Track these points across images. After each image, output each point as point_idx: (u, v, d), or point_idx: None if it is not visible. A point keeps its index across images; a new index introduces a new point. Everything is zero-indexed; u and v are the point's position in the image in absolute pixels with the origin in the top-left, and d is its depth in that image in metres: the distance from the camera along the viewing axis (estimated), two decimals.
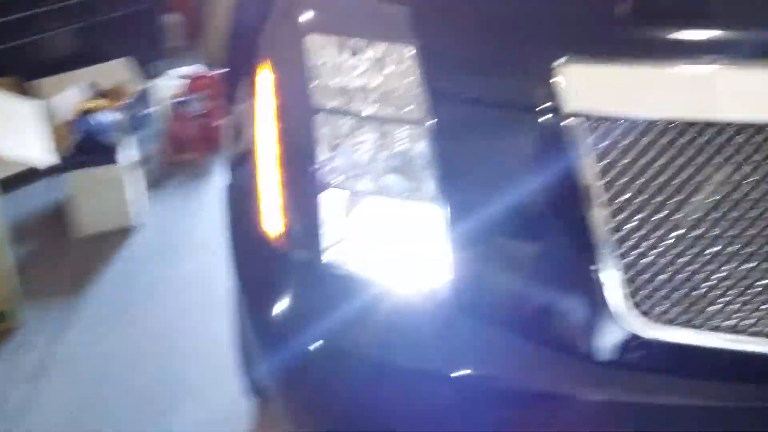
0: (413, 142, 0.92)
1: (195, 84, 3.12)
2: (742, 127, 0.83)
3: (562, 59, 0.84)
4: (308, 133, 0.96)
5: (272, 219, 1.02)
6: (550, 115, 0.85)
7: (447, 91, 0.91)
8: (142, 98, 2.88)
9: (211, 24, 3.88)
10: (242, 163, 1.15)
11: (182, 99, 3.05)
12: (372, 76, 0.94)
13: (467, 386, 0.93)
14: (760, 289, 0.86)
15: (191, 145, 3.01)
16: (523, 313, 0.91)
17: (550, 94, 0.85)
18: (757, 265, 0.85)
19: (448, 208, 0.91)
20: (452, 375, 0.93)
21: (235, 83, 1.28)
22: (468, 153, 0.91)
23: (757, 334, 0.86)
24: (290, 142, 0.99)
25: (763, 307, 0.86)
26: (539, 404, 0.91)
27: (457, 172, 0.91)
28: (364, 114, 0.94)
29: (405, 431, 0.97)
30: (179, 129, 3.00)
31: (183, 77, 3.23)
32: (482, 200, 0.90)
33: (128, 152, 2.57)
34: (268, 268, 1.03)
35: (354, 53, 0.94)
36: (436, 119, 0.90)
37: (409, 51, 0.91)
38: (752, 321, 0.87)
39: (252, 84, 1.06)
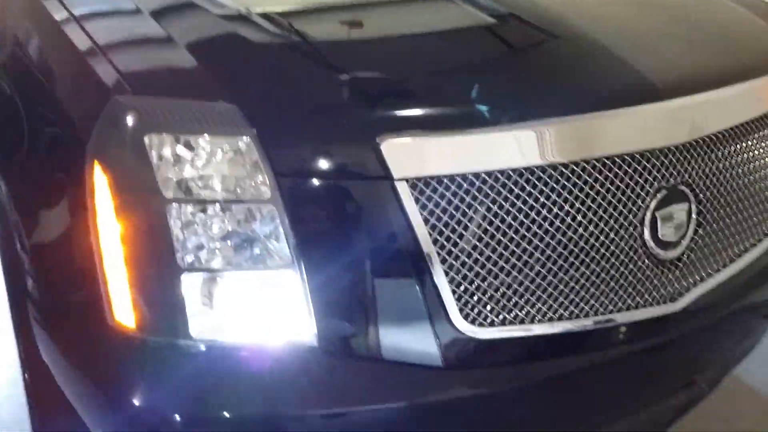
0: (259, 218, 1.05)
1: None
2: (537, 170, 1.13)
3: (383, 134, 1.06)
4: (158, 224, 1.03)
5: (126, 311, 1.05)
6: (380, 181, 1.06)
7: (287, 170, 1.05)
8: None
9: None
10: (66, 265, 1.16)
11: None
12: (212, 165, 1.04)
13: (342, 420, 1.08)
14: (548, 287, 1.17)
15: None
16: (378, 340, 1.09)
17: (378, 164, 1.06)
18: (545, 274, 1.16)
19: (302, 270, 1.05)
20: (322, 412, 1.08)
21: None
22: (313, 221, 1.07)
23: (552, 320, 1.18)
24: (140, 236, 1.04)
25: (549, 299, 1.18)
26: (403, 416, 1.10)
27: (309, 239, 1.06)
28: (209, 200, 1.03)
29: None
30: None
31: None
32: (332, 258, 1.07)
33: None
34: (130, 357, 1.06)
35: (192, 147, 1.04)
36: (281, 196, 1.04)
37: (246, 141, 1.04)
38: (547, 310, 1.18)
39: (76, 184, 1.08)
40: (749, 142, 1.44)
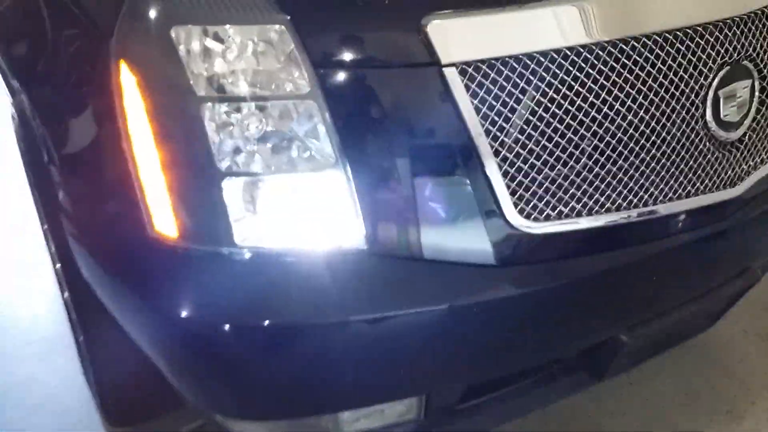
0: (298, 115, 0.97)
1: None
2: (591, 49, 1.04)
3: (428, 15, 0.97)
4: (192, 126, 0.95)
5: (167, 220, 1.00)
6: (427, 67, 0.98)
7: (326, 61, 0.97)
8: None
9: None
10: (99, 175, 1.10)
11: None
12: (244, 57, 0.95)
13: (391, 324, 1.03)
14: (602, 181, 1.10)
15: None
16: (430, 240, 1.03)
17: (424, 48, 0.97)
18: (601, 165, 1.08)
19: (347, 170, 0.98)
20: (377, 316, 1.03)
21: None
22: (356, 115, 0.99)
23: (609, 210, 1.11)
24: (175, 139, 0.97)
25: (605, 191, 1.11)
26: (460, 315, 1.06)
27: (352, 136, 0.98)
28: (244, 96, 0.95)
29: (347, 379, 1.05)
30: None
31: None
32: (378, 154, 1.00)
33: None
34: (175, 268, 1.01)
35: (222, 38, 0.95)
36: (320, 90, 0.96)
37: (279, 29, 0.95)
38: (606, 200, 1.11)
39: (102, 87, 1.00)
40: None
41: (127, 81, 0.97)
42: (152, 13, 0.95)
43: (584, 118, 1.06)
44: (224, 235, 0.99)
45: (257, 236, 1.00)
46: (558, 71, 1.04)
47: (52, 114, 1.21)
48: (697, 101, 1.15)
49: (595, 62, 1.06)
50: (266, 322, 1.01)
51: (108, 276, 1.13)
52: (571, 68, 1.04)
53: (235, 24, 0.95)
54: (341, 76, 0.98)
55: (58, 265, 1.50)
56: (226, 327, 1.00)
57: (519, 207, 1.05)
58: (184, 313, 1.01)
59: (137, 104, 0.97)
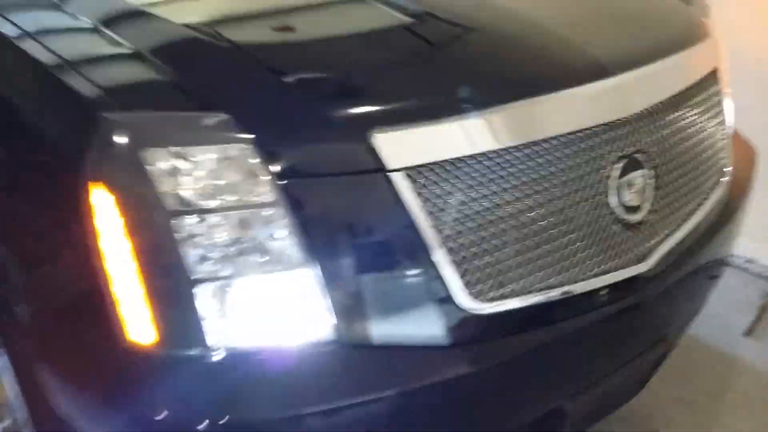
0: (264, 222, 1.07)
1: None
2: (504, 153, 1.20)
3: (372, 128, 1.11)
4: (163, 238, 1.03)
5: (140, 328, 1.05)
6: (375, 173, 1.11)
7: (286, 172, 1.08)
8: None
9: None
10: (67, 292, 1.14)
11: None
12: (211, 174, 1.05)
13: (363, 408, 1.12)
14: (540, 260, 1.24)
15: None
16: (391, 327, 1.13)
17: (371, 157, 1.11)
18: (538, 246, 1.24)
19: (313, 267, 1.08)
20: (351, 402, 1.11)
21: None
22: (317, 218, 1.10)
23: (539, 290, 1.25)
24: (147, 251, 1.04)
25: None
26: (422, 395, 1.15)
27: (315, 237, 1.09)
28: (213, 208, 1.05)
29: None
30: None
31: None
32: (341, 252, 1.11)
33: None
34: (150, 372, 1.05)
35: (190, 158, 1.05)
36: (282, 198, 1.07)
37: (242, 147, 1.07)
38: (537, 280, 1.25)
39: (71, 207, 1.07)
40: (687, 108, 1.56)
41: (99, 200, 1.04)
42: (124, 136, 1.04)
43: (509, 211, 1.21)
44: (197, 338, 1.05)
45: (229, 337, 1.07)
46: (483, 171, 1.19)
47: (15, 233, 1.24)
48: (600, 189, 1.33)
49: (511, 163, 1.22)
50: (242, 419, 1.06)
51: (83, 393, 1.15)
52: (493, 168, 1.20)
53: (201, 144, 1.06)
54: (301, 185, 1.09)
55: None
56: (204, 427, 1.05)
57: (466, 291, 1.17)
58: (160, 416, 1.05)
59: (109, 222, 1.04)
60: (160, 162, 1.04)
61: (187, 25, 1.31)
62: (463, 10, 1.53)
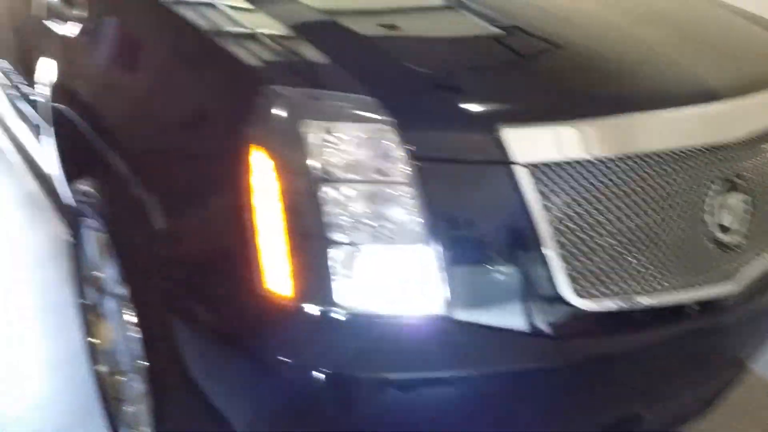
0: (396, 198, 1.18)
1: None
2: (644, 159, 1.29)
3: (502, 123, 1.21)
4: (309, 202, 1.16)
5: (276, 279, 1.18)
6: (501, 165, 1.21)
7: (420, 154, 1.19)
8: None
9: None
10: (215, 241, 1.28)
11: None
12: (356, 149, 1.17)
13: (464, 383, 1.22)
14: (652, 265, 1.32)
15: None
16: (499, 311, 1.23)
17: (499, 150, 1.21)
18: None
19: (434, 245, 1.19)
20: (456, 375, 1.21)
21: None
22: (443, 200, 1.20)
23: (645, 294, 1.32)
24: (293, 211, 1.16)
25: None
26: (519, 379, 1.25)
27: (439, 217, 1.19)
28: (354, 180, 1.16)
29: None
30: None
31: None
32: (461, 234, 1.22)
33: None
34: (281, 320, 1.18)
35: (339, 133, 1.17)
36: (415, 178, 1.18)
37: (385, 128, 1.18)
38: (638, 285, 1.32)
39: (228, 164, 1.21)
40: None
41: (257, 162, 1.17)
42: (286, 107, 1.17)
43: (616, 216, 1.29)
44: (325, 295, 1.17)
45: (352, 298, 1.18)
46: (597, 175, 1.27)
47: (166, 183, 1.39)
48: (699, 207, 1.40)
49: (622, 171, 1.30)
50: (356, 375, 1.18)
51: (214, 332, 1.28)
52: (605, 174, 1.28)
53: (348, 121, 1.18)
54: (432, 168, 1.20)
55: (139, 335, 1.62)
56: (320, 376, 1.17)
57: (574, 287, 1.25)
58: (283, 358, 1.18)
59: (263, 181, 1.17)
60: (312, 134, 1.16)
61: (333, 12, 1.46)
62: (582, 24, 1.64)
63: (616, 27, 1.67)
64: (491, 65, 1.42)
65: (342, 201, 1.16)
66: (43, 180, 2.44)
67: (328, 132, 1.16)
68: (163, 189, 1.41)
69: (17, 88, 2.25)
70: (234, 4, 1.51)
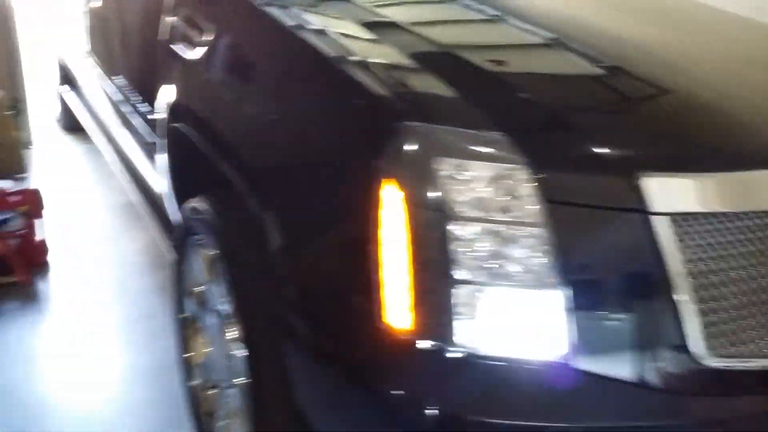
0: (526, 239, 1.17)
1: (1, 200, 2.88)
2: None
3: (643, 171, 1.19)
4: (437, 238, 1.16)
5: (396, 314, 1.18)
6: (639, 213, 1.19)
7: (553, 196, 1.18)
8: None
9: None
10: (338, 271, 1.30)
11: None
12: (488, 188, 1.17)
13: None
14: None
15: (13, 267, 2.76)
16: (625, 362, 1.19)
17: (637, 197, 1.19)
18: None
19: (561, 290, 1.17)
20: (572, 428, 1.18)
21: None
22: (575, 245, 1.19)
23: None
24: (421, 247, 1.16)
25: None
26: None
27: (568, 261, 1.17)
28: (484, 219, 1.16)
29: None
30: None
31: None
32: (590, 280, 1.20)
33: None
34: (398, 355, 1.18)
35: (471, 171, 1.17)
36: (547, 220, 1.16)
37: (518, 168, 1.17)
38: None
39: (357, 197, 1.23)
40: None
41: (387, 195, 1.18)
42: (419, 144, 1.18)
43: (754, 273, 1.24)
44: (445, 333, 1.16)
45: (477, 340, 1.17)
46: (739, 229, 1.24)
47: (288, 206, 1.42)
48: None
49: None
50: (468, 417, 1.16)
51: (327, 358, 1.29)
52: (750, 228, 1.24)
53: (480, 160, 1.18)
54: (565, 211, 1.18)
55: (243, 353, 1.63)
56: (433, 412, 1.16)
57: (703, 342, 1.21)
58: (395, 392, 1.18)
59: (392, 215, 1.18)
60: (444, 171, 1.16)
61: (451, 45, 1.46)
62: (693, 68, 1.62)
63: (726, 70, 1.65)
64: (621, 108, 1.41)
65: (470, 239, 1.16)
66: (147, 194, 2.53)
67: (460, 169, 1.17)
68: (284, 211, 1.44)
69: (133, 105, 2.34)
70: (358, 34, 1.54)
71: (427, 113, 1.25)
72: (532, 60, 1.64)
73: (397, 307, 1.18)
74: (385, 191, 1.18)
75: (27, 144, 3.97)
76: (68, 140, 4.33)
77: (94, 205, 3.51)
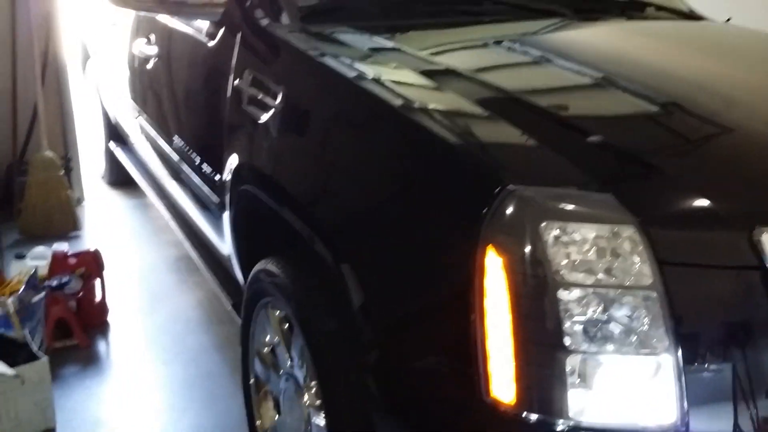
0: (640, 304, 1.10)
1: (61, 263, 2.89)
2: None
3: (759, 226, 1.13)
4: (544, 306, 1.10)
5: (504, 387, 1.12)
6: (756, 271, 1.12)
7: (666, 257, 1.11)
8: (31, 283, 2.58)
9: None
10: (439, 342, 1.24)
11: (56, 281, 2.79)
12: (597, 251, 1.11)
13: None
14: None
15: (73, 329, 2.75)
16: (745, 425, 1.12)
17: (754, 254, 1.12)
18: None
19: (677, 356, 1.10)
20: None
21: None
22: (690, 307, 1.12)
23: None
24: (528, 315, 1.10)
25: None
26: None
27: (684, 325, 1.11)
28: (595, 284, 1.10)
29: None
30: (57, 313, 2.72)
31: (46, 257, 2.99)
32: (707, 344, 1.12)
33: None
34: (499, 429, 1.12)
35: (579, 234, 1.11)
36: (660, 282, 1.10)
37: (629, 228, 1.12)
38: None
39: (459, 265, 1.17)
40: None
41: (491, 262, 1.13)
42: (525, 208, 1.13)
43: None
44: (559, 407, 1.10)
45: (590, 411, 1.10)
46: None
47: (374, 269, 1.38)
48: None
49: None
50: None
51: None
52: None
53: (587, 222, 1.12)
54: (678, 271, 1.12)
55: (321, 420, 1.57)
56: None
57: None
58: None
59: (498, 283, 1.12)
60: (550, 235, 1.11)
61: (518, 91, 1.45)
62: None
63: None
64: (726, 157, 1.35)
65: (579, 305, 1.10)
66: (207, 253, 2.51)
67: (567, 233, 1.11)
68: (368, 274, 1.39)
69: (195, 166, 2.33)
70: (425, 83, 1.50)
71: (529, 175, 1.20)
72: (611, 105, 1.58)
73: (502, 379, 1.12)
74: (489, 257, 1.13)
75: (79, 201, 4.01)
76: (115, 196, 4.37)
77: (149, 261, 3.51)
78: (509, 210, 1.13)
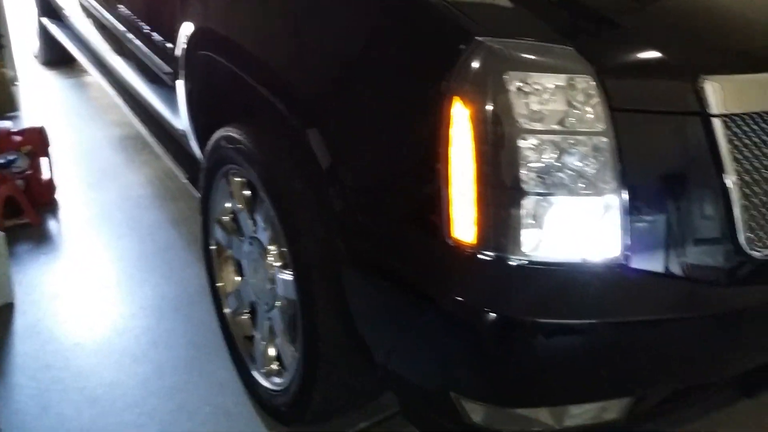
0: (592, 148, 1.20)
1: (5, 140, 2.83)
2: None
3: (703, 74, 1.23)
4: (505, 152, 1.18)
5: (465, 228, 1.22)
6: (697, 116, 1.24)
7: (617, 105, 1.20)
8: None
9: None
10: (405, 190, 1.32)
11: (2, 159, 2.74)
12: (556, 99, 1.19)
13: (640, 328, 1.25)
14: None
15: (24, 208, 2.73)
16: (675, 259, 1.25)
17: (697, 100, 1.24)
18: None
19: (621, 196, 1.21)
20: (627, 320, 1.24)
21: None
22: (635, 151, 1.22)
23: None
24: (491, 162, 1.19)
25: None
26: (689, 325, 1.28)
27: (629, 167, 1.21)
28: (552, 131, 1.19)
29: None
30: (5, 191, 2.69)
31: None
32: (649, 184, 1.24)
33: None
34: (468, 268, 1.22)
35: (540, 83, 1.19)
36: (611, 128, 1.20)
37: (585, 78, 1.20)
38: None
39: (425, 116, 1.25)
40: None
41: (458, 112, 1.20)
42: (489, 59, 1.19)
43: None
44: (511, 244, 1.20)
45: (542, 248, 1.21)
46: None
47: (344, 126, 1.43)
48: None
49: None
50: (536, 319, 1.21)
51: (390, 275, 1.34)
52: None
53: (548, 72, 1.20)
54: (628, 118, 1.22)
55: (287, 276, 1.67)
56: (491, 318, 1.20)
57: (751, 237, 1.28)
58: (463, 300, 1.21)
59: (463, 132, 1.20)
60: (513, 85, 1.18)
61: None
62: None
63: None
64: (681, 13, 1.43)
65: (536, 150, 1.19)
66: (158, 126, 2.49)
67: (529, 82, 1.19)
68: (337, 132, 1.44)
69: (143, 36, 2.27)
70: None
71: (494, 27, 1.25)
72: None
73: (463, 222, 1.21)
74: (455, 108, 1.20)
75: (13, 81, 3.87)
76: (51, 75, 4.23)
77: (93, 140, 3.46)
78: (475, 62, 1.19)
